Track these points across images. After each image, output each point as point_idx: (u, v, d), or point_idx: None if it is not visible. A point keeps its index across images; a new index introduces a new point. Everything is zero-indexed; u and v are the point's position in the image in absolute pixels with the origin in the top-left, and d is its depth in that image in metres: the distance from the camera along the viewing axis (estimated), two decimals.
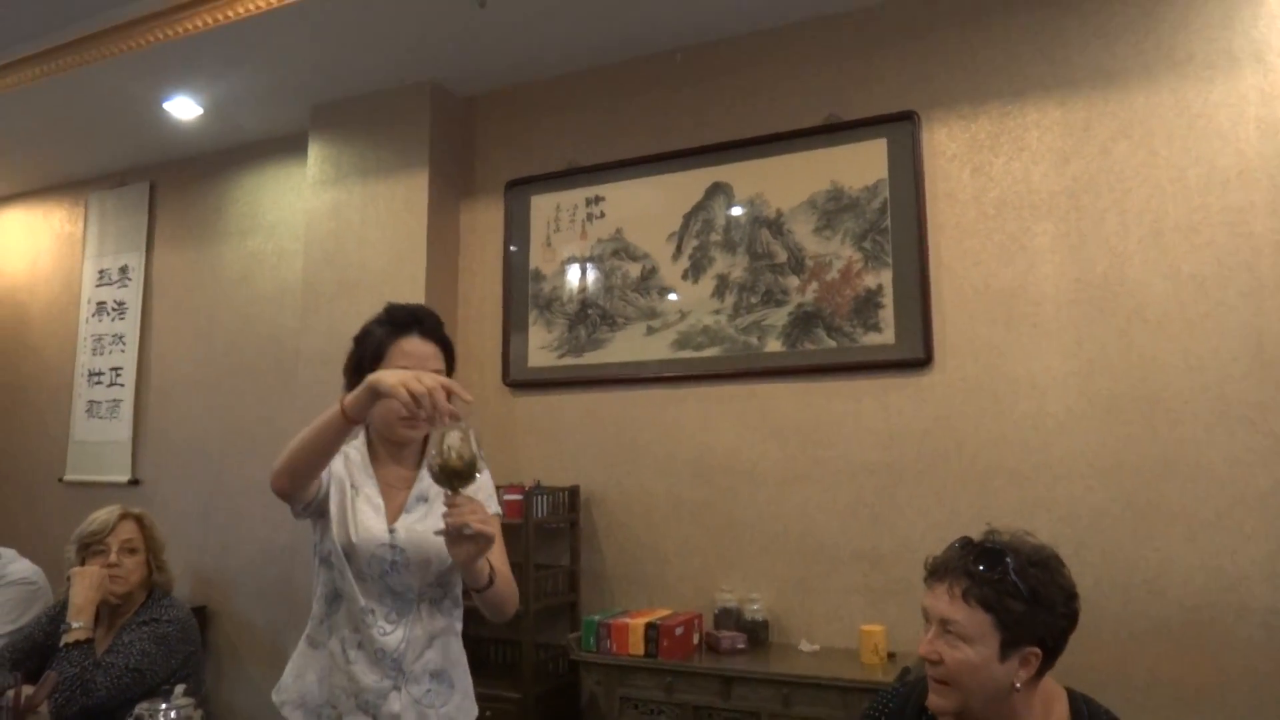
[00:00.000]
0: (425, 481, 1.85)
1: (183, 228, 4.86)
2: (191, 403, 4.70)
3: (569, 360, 3.64)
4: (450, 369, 1.88)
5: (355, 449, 1.90)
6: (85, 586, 2.34)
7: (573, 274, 3.68)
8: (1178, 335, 2.80)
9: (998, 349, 3.00)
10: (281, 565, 4.08)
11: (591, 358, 3.60)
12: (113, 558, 2.40)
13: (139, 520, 2.50)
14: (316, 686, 1.80)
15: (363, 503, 1.82)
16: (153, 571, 2.47)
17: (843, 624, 3.08)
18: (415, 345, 1.84)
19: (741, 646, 3.04)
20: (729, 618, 3.16)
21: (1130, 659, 2.77)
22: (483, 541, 1.58)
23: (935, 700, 1.50)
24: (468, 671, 1.92)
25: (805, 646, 3.06)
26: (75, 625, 2.29)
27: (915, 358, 3.06)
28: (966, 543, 1.54)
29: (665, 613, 3.15)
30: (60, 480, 5.02)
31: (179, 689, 1.84)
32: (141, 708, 1.66)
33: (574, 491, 3.53)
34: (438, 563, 1.81)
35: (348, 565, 1.79)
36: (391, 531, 1.81)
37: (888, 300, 3.11)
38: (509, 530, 3.40)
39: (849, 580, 3.12)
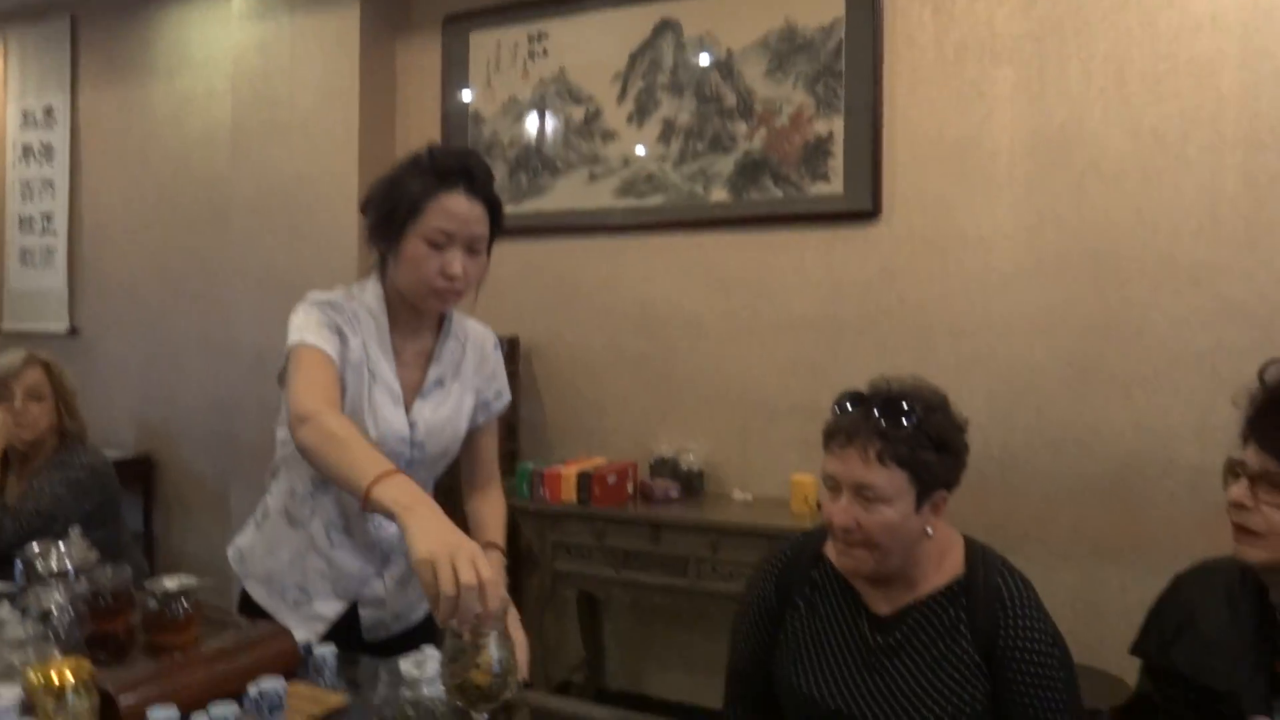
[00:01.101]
0: (445, 361, 1.68)
1: (109, 66, 4.58)
2: (127, 250, 4.54)
3: (509, 208, 3.46)
4: (494, 234, 1.61)
5: (372, 305, 1.63)
6: None
7: (513, 117, 3.50)
8: (1132, 192, 2.71)
9: (948, 202, 2.91)
10: (225, 415, 4.03)
11: (532, 205, 3.47)
12: (17, 404, 2.33)
13: (46, 366, 2.41)
14: (288, 566, 1.70)
15: (381, 392, 1.61)
16: (63, 419, 2.40)
17: (777, 475, 3.09)
18: (460, 205, 1.52)
19: (674, 495, 3.05)
20: (665, 468, 3.16)
21: (1054, 515, 2.80)
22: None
23: (848, 564, 1.46)
24: None
25: (739, 496, 3.07)
26: None
27: (863, 209, 2.96)
28: (863, 399, 1.46)
29: (600, 462, 3.14)
30: None
31: (75, 530, 1.79)
32: (31, 548, 1.60)
33: (513, 342, 3.46)
34: (451, 455, 1.71)
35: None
36: (412, 425, 1.64)
37: (838, 149, 2.99)
38: None
39: (786, 433, 3.11)
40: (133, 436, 4.51)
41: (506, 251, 3.57)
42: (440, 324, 1.71)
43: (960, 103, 2.88)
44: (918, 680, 1.42)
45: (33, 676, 1.21)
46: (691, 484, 3.14)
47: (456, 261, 1.54)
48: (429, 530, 1.13)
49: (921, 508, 1.43)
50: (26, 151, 4.81)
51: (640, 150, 3.26)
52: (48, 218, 4.75)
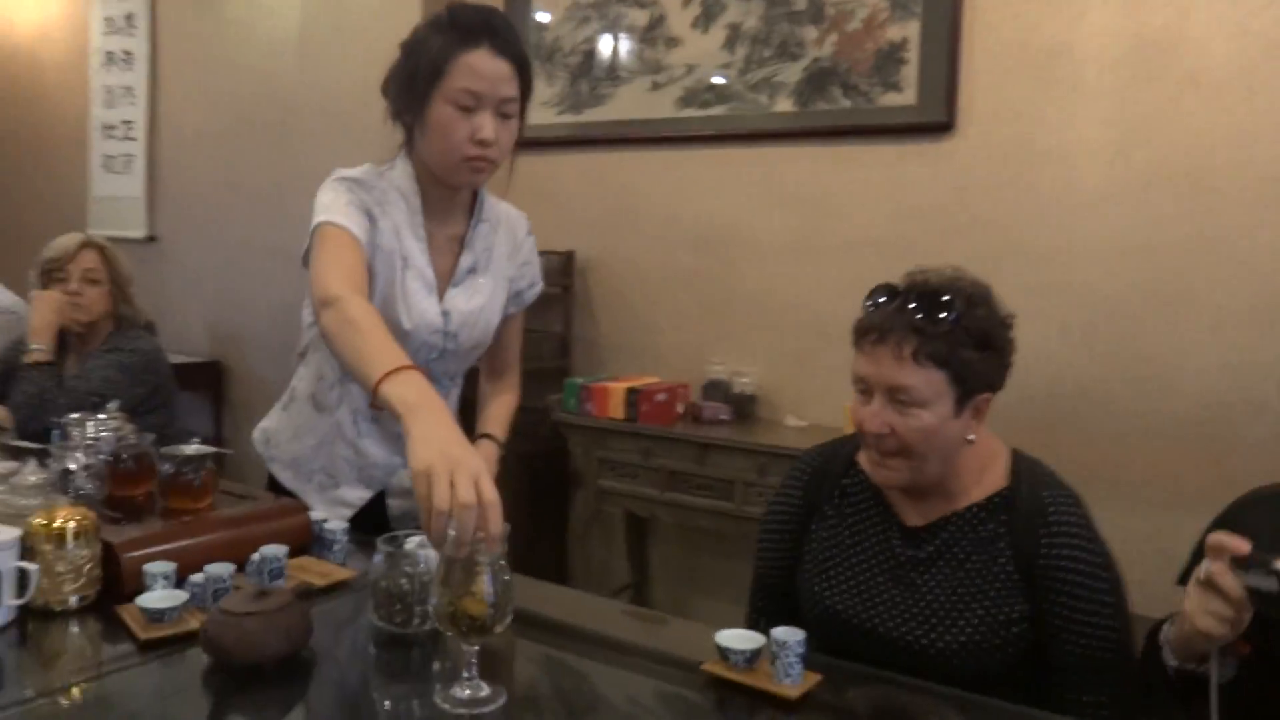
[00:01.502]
0: (477, 246, 1.62)
1: None
2: (201, 158, 4.59)
3: (568, 118, 3.42)
4: (526, 96, 1.51)
5: (403, 185, 1.56)
6: (44, 310, 2.32)
7: (576, 23, 3.39)
8: (1233, 105, 2.48)
9: (1029, 114, 2.71)
10: (292, 322, 4.07)
11: (592, 115, 3.37)
12: (73, 285, 2.37)
13: (101, 250, 2.44)
14: (314, 452, 1.68)
15: (414, 279, 1.55)
16: (117, 304, 2.43)
17: (833, 402, 2.97)
18: (485, 63, 1.43)
19: (725, 418, 2.97)
20: (717, 390, 3.08)
21: (1128, 457, 2.63)
22: None
23: (883, 474, 1.36)
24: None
25: (792, 422, 2.98)
26: (35, 347, 2.29)
27: (937, 122, 2.79)
28: (897, 292, 1.34)
29: (652, 380, 3.07)
30: None
31: (113, 404, 1.80)
32: (68, 416, 1.61)
33: (569, 256, 3.40)
34: (483, 347, 1.67)
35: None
36: (445, 315, 1.59)
37: (912, 56, 2.80)
38: None
39: (844, 358, 2.97)
40: (205, 342, 4.62)
41: (564, 163, 3.52)
42: (472, 208, 1.64)
43: (1048, 4, 2.67)
44: (949, 596, 1.33)
45: (35, 521, 1.20)
46: (743, 408, 3.05)
47: (488, 125, 1.45)
48: (431, 437, 1.03)
49: (962, 412, 1.32)
50: (109, 57, 4.88)
51: (704, 57, 3.12)
52: (129, 124, 4.84)
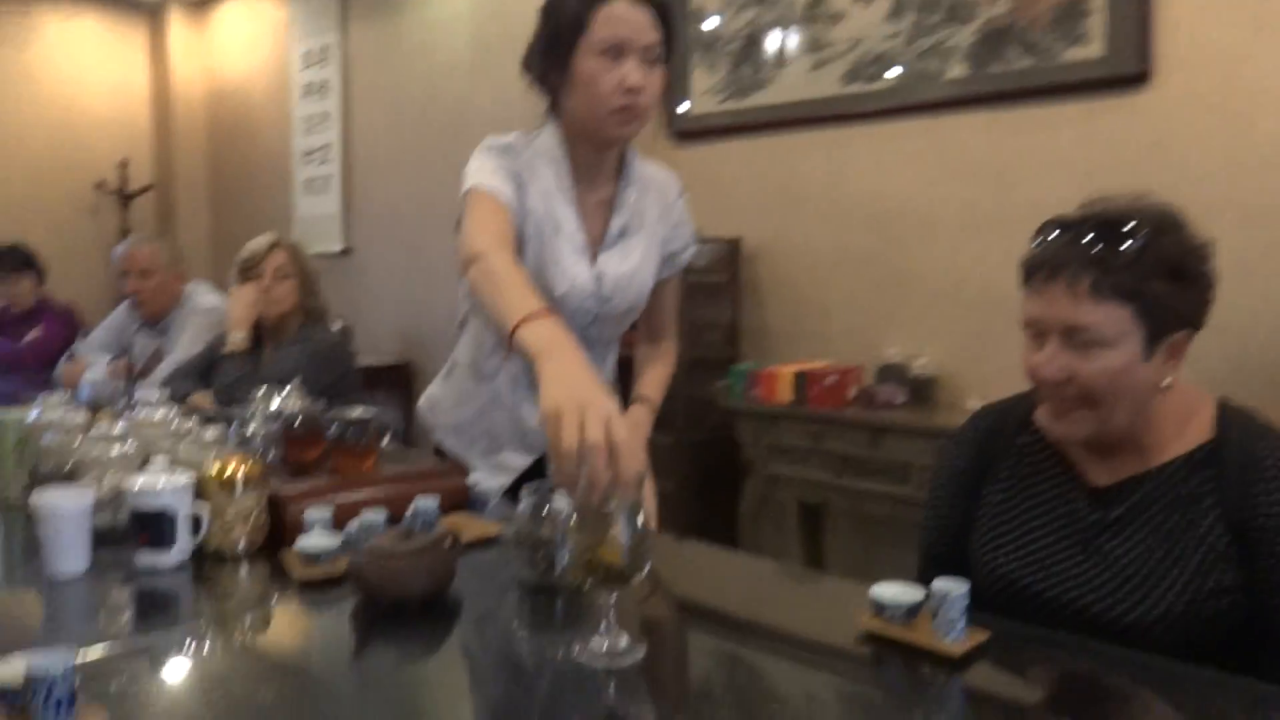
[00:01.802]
0: (627, 209, 1.59)
1: (371, 3, 4.91)
2: (389, 175, 4.88)
3: (732, 105, 3.38)
4: (670, 49, 1.49)
5: (551, 149, 1.55)
6: (241, 304, 2.50)
7: (736, 7, 3.35)
8: None
9: (1238, 56, 2.43)
10: None
11: (756, 99, 3.31)
12: (266, 281, 2.54)
13: (291, 250, 2.61)
14: (475, 419, 1.71)
15: (564, 243, 1.54)
16: (305, 298, 2.59)
17: (1019, 382, 2.76)
18: (625, 11, 1.42)
19: (900, 400, 2.82)
20: (892, 373, 2.94)
21: None
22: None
23: (1064, 428, 1.22)
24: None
25: (974, 404, 2.76)
26: (233, 338, 2.47)
27: (1128, 73, 2.54)
28: (1072, 224, 1.20)
29: (822, 365, 2.97)
30: None
31: (295, 380, 1.90)
32: (256, 390, 1.72)
33: (735, 244, 3.35)
34: (637, 311, 1.65)
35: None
36: (598, 279, 1.57)
37: (1097, 4, 2.58)
38: None
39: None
40: (395, 345, 4.88)
41: (728, 150, 3.48)
42: (619, 171, 1.62)
43: None
44: (1144, 564, 1.17)
45: (210, 467, 1.27)
46: (921, 391, 2.89)
47: (635, 71, 1.42)
48: (562, 378, 1.02)
49: (1153, 353, 1.16)
50: (308, 89, 5.28)
51: (868, 29, 3.00)
52: (325, 149, 5.21)
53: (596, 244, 1.59)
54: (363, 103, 5.00)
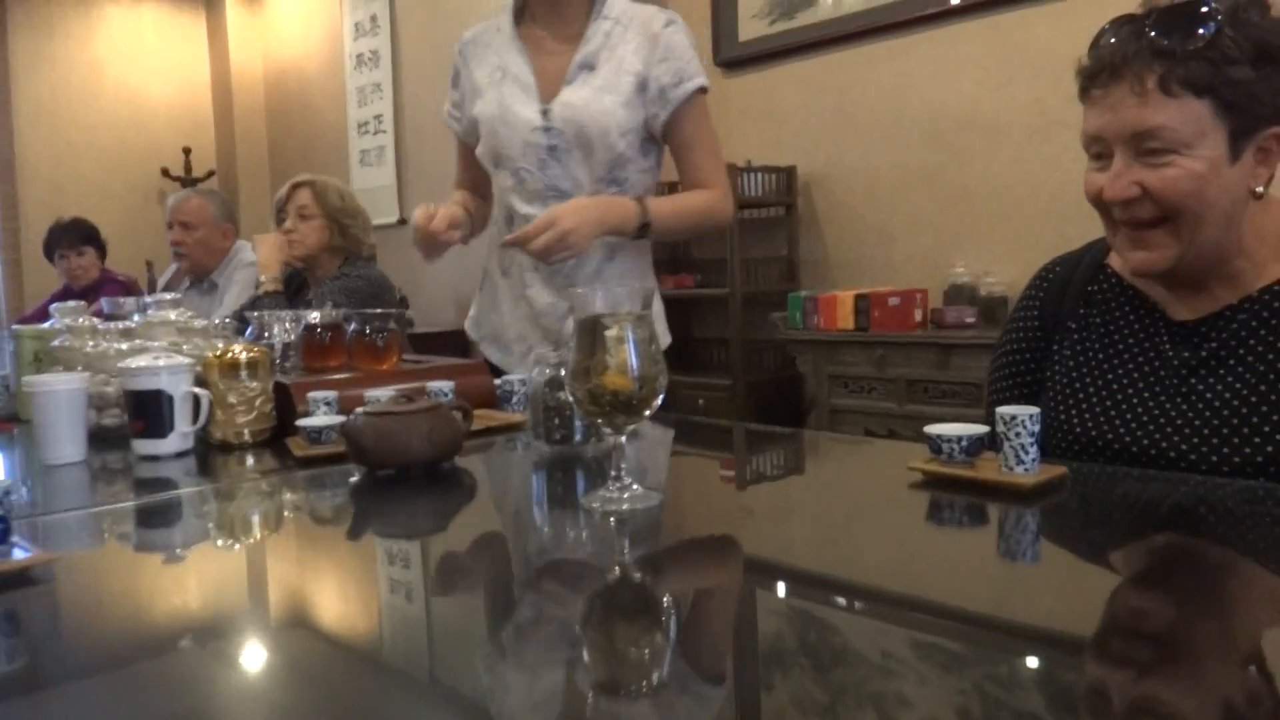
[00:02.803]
0: (594, 42, 1.53)
1: None
2: (440, 142, 4.80)
3: (781, 26, 3.21)
4: None
5: (508, 3, 1.62)
6: (266, 248, 2.48)
7: None
8: None
9: None
10: None
11: (805, 18, 3.14)
12: (288, 224, 2.50)
13: (311, 186, 2.55)
14: (508, 319, 1.67)
15: (509, 85, 1.56)
16: (334, 236, 2.52)
17: None
18: None
19: (970, 320, 2.64)
20: (961, 294, 2.75)
21: None
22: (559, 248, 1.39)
23: (1143, 257, 1.05)
24: (658, 298, 1.61)
25: None
26: (264, 279, 2.44)
27: None
28: (1133, 18, 1.03)
29: (886, 289, 2.80)
30: None
31: (327, 305, 1.84)
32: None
33: (789, 172, 3.19)
34: (602, 148, 1.51)
35: (504, 168, 1.57)
36: (544, 112, 1.52)
37: None
38: None
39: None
40: (452, 314, 4.84)
41: (778, 75, 3.32)
42: (591, 8, 1.57)
43: None
44: (1241, 404, 1.01)
45: (211, 353, 1.20)
46: (992, 311, 2.70)
47: None
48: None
49: (1240, 153, 0.99)
50: (359, 60, 5.27)
51: None
52: (379, 119, 5.19)
53: (556, 80, 1.55)
54: (412, 70, 4.96)
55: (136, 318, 1.47)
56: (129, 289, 3.80)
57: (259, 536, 0.90)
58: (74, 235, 3.74)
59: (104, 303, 1.65)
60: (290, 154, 5.97)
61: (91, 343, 1.33)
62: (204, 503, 1.01)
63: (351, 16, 5.30)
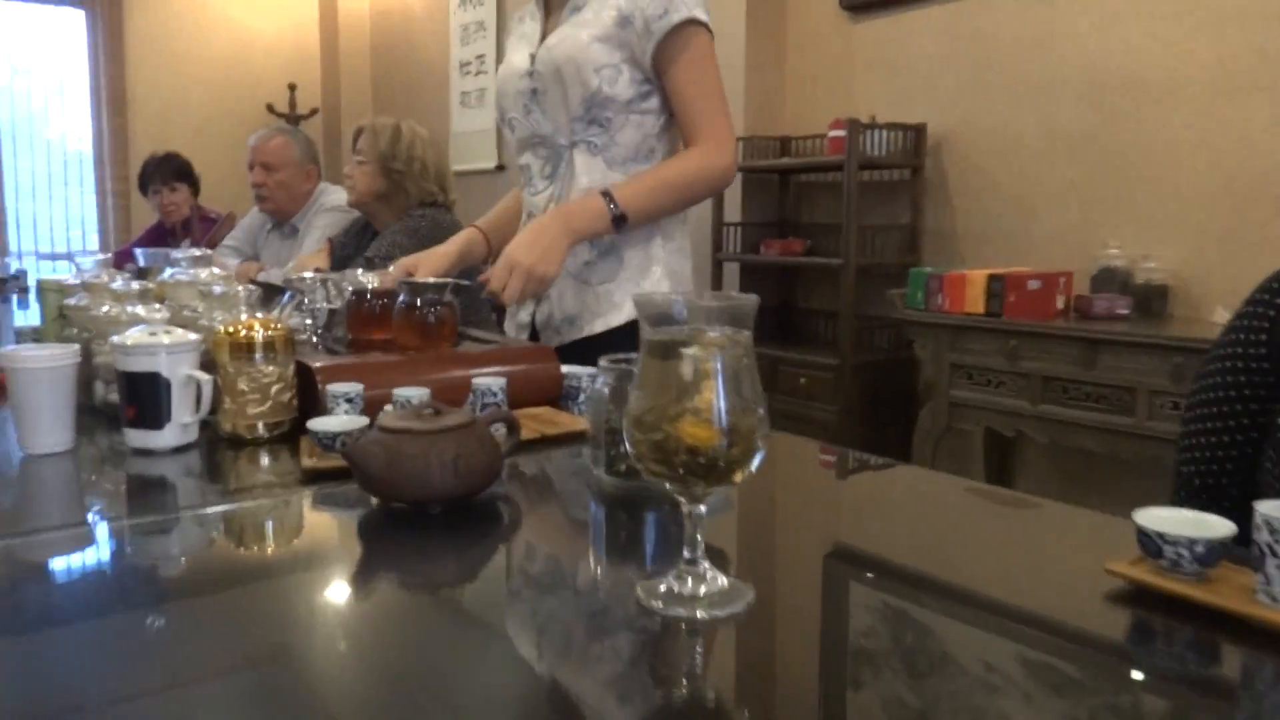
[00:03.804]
0: None
1: None
2: None
3: None
4: None
5: None
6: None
7: None
8: None
9: None
10: None
11: None
12: (346, 169, 2.39)
13: (370, 132, 2.38)
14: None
15: (515, 41, 1.53)
16: (391, 179, 2.34)
17: None
18: None
19: (1123, 311, 2.29)
20: (1112, 280, 2.40)
21: None
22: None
23: None
24: (664, 251, 1.46)
25: (1221, 317, 2.22)
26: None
27: None
28: None
29: (1022, 269, 2.46)
30: None
31: (392, 265, 1.65)
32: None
33: (919, 131, 2.85)
34: (576, 84, 1.37)
35: (504, 122, 1.52)
36: (533, 57, 1.44)
37: None
38: (827, 167, 2.87)
39: None
40: None
41: (909, 21, 2.95)
42: None
43: None
44: None
45: (221, 328, 1.00)
46: (1149, 302, 2.35)
47: None
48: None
49: None
50: None
51: None
52: (481, 58, 4.99)
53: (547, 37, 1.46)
54: (516, 8, 4.73)
55: (168, 274, 1.29)
56: (222, 226, 3.72)
57: (218, 588, 0.70)
58: (167, 170, 3.66)
59: (139, 254, 1.49)
60: (394, 93, 5.84)
61: (106, 305, 1.15)
62: (172, 531, 0.82)
63: None
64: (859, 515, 0.91)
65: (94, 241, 5.47)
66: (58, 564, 0.74)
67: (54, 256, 5.23)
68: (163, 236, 3.73)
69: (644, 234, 1.44)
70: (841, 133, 2.73)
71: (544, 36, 1.46)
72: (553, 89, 1.40)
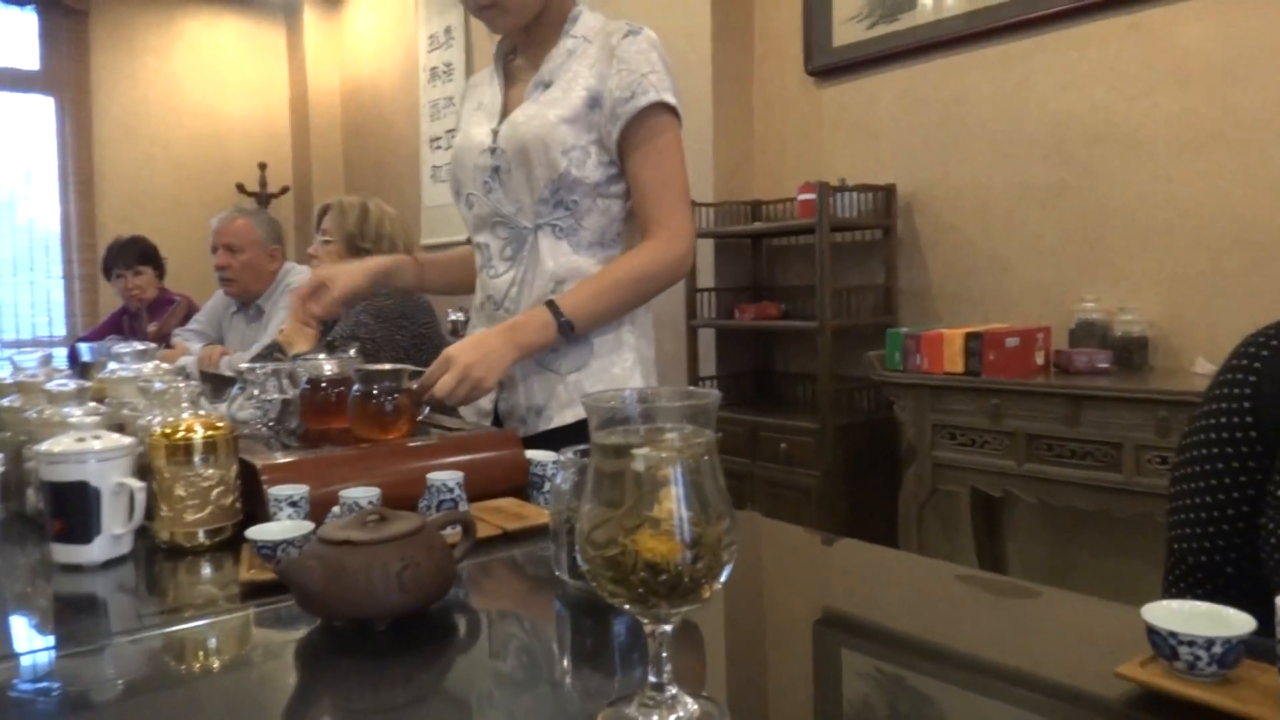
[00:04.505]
0: (554, 61, 1.38)
1: None
2: None
3: (880, 29, 2.88)
4: None
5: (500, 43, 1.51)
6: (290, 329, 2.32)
7: None
8: None
9: None
10: None
11: (907, 20, 2.80)
12: (311, 248, 2.39)
13: (335, 213, 2.35)
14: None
15: (479, 114, 1.45)
16: (356, 257, 2.30)
17: None
18: None
19: (1104, 365, 2.26)
20: (1091, 334, 2.37)
21: None
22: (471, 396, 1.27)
23: None
24: (633, 335, 1.41)
25: (1201, 368, 2.19)
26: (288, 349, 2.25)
27: None
28: None
29: (999, 326, 2.43)
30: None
31: (353, 348, 1.60)
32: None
33: (889, 191, 2.85)
34: (542, 165, 1.32)
35: (460, 197, 1.45)
36: (495, 133, 1.38)
37: None
38: (798, 230, 2.84)
39: (1276, 278, 2.16)
40: None
41: (877, 85, 2.97)
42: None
43: None
44: None
45: (157, 429, 0.94)
46: (1129, 354, 2.32)
47: None
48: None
49: None
50: (433, 73, 5.10)
51: None
52: (451, 133, 5.00)
53: (517, 104, 1.41)
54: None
55: (109, 368, 1.23)
56: (187, 311, 3.66)
57: None
58: (131, 254, 3.61)
59: (82, 349, 1.42)
60: (365, 169, 5.85)
61: (40, 407, 1.08)
62: (102, 655, 0.74)
63: (426, 29, 5.14)
64: (849, 612, 0.85)
65: (62, 325, 5.39)
66: None
67: (18, 344, 5.14)
68: (126, 321, 3.66)
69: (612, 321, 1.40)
70: (811, 195, 2.72)
71: (504, 109, 1.42)
72: (517, 169, 1.35)
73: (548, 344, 1.32)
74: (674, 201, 1.33)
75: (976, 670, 0.68)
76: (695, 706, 0.55)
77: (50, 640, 0.80)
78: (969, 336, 2.31)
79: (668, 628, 0.55)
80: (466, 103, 1.51)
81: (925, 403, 2.41)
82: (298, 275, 2.76)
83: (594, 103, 1.33)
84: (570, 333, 1.31)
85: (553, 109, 1.33)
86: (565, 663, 0.71)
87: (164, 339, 3.12)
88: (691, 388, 0.57)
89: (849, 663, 0.71)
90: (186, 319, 3.58)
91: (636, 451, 0.53)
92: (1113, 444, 2.08)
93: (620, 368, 1.38)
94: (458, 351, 1.25)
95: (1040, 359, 2.37)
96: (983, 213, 2.70)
